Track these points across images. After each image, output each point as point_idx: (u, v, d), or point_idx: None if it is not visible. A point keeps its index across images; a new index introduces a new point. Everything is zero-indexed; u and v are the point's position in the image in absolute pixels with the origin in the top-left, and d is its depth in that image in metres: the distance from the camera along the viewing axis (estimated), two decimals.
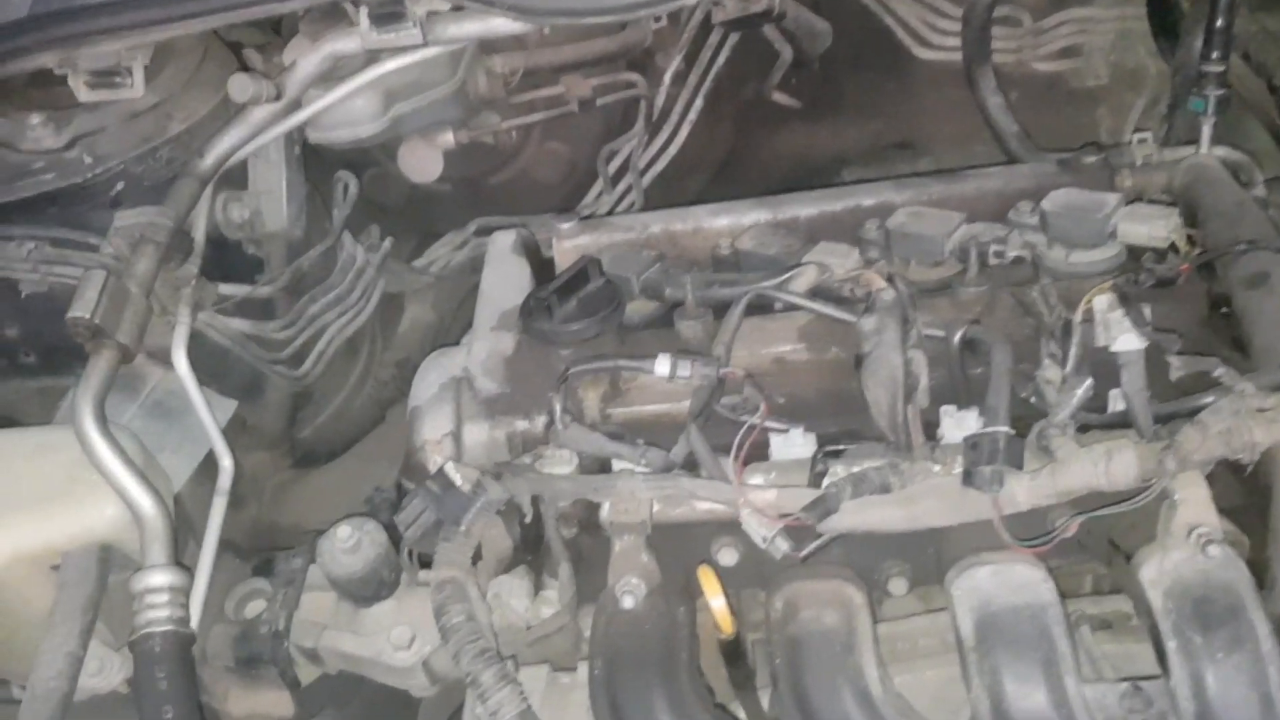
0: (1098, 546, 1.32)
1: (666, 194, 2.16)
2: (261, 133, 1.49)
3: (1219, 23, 1.52)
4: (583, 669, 1.26)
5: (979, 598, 1.20)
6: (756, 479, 1.28)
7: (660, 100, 2.00)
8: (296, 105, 1.51)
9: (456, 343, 2.14)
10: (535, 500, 1.28)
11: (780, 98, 2.09)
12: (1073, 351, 1.25)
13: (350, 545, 1.39)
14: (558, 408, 1.26)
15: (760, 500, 1.23)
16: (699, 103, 2.03)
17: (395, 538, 1.42)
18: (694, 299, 1.39)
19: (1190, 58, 1.74)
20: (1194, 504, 1.18)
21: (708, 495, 1.24)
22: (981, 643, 1.17)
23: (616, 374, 1.36)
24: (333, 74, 1.51)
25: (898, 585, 1.34)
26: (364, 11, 1.41)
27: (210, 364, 1.61)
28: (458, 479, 1.26)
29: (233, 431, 1.57)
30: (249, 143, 1.49)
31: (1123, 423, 1.26)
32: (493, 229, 2.16)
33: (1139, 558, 1.21)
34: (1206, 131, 1.56)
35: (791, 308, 1.41)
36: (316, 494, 1.83)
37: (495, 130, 1.89)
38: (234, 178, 1.61)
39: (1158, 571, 1.19)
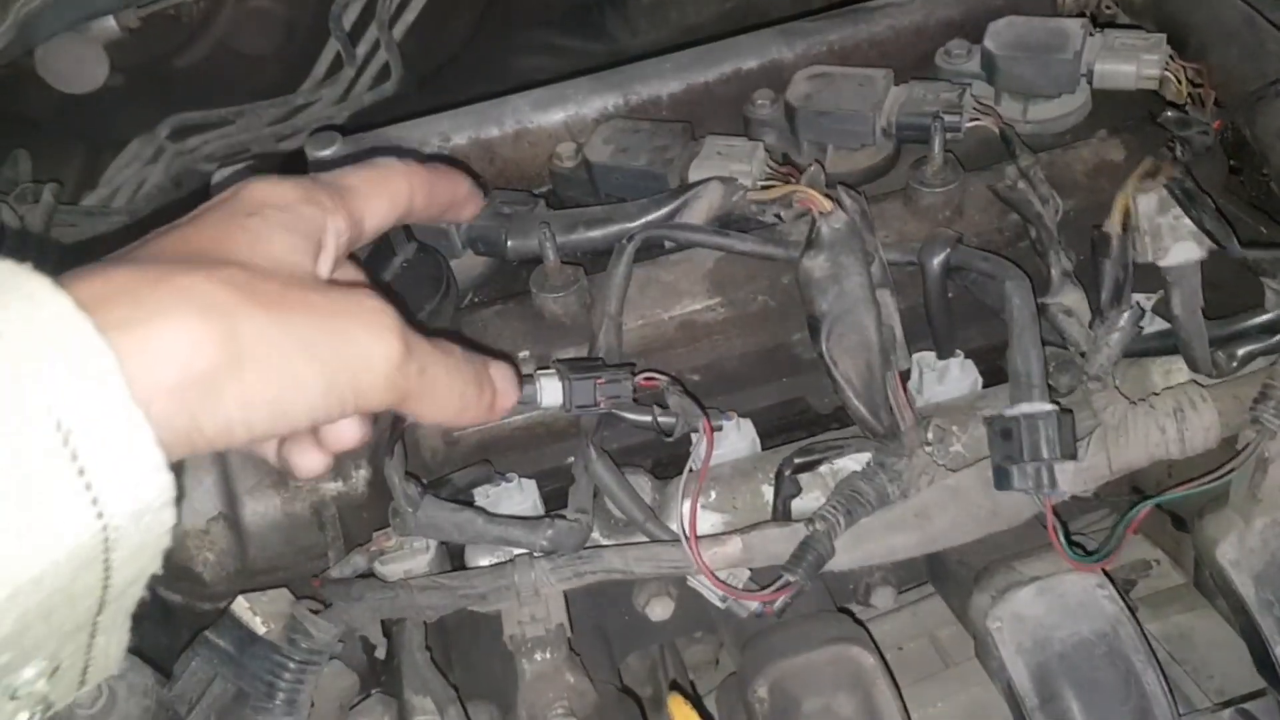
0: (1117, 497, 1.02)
1: (423, 48, 1.64)
2: None
3: None
4: None
5: (1030, 633, 0.88)
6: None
7: None
8: None
9: None
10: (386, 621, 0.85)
11: None
12: (1109, 273, 0.90)
13: (98, 708, 0.91)
14: (395, 478, 0.81)
15: (723, 558, 0.85)
16: None
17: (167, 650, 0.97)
18: (556, 258, 0.94)
19: None
20: None
21: (650, 570, 0.84)
22: (1049, 700, 0.85)
23: None
24: None
25: (882, 596, 1.00)
26: None
27: None
28: (258, 625, 0.80)
29: None
30: None
31: (1159, 348, 0.94)
32: (193, 129, 1.59)
33: (1208, 529, 0.92)
34: None
35: (692, 244, 0.98)
36: None
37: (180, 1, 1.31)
38: None
39: (1240, 549, 0.90)
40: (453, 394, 0.60)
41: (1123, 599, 0.90)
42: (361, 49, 1.57)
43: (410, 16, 1.56)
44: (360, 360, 0.53)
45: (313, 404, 0.52)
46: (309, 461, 0.63)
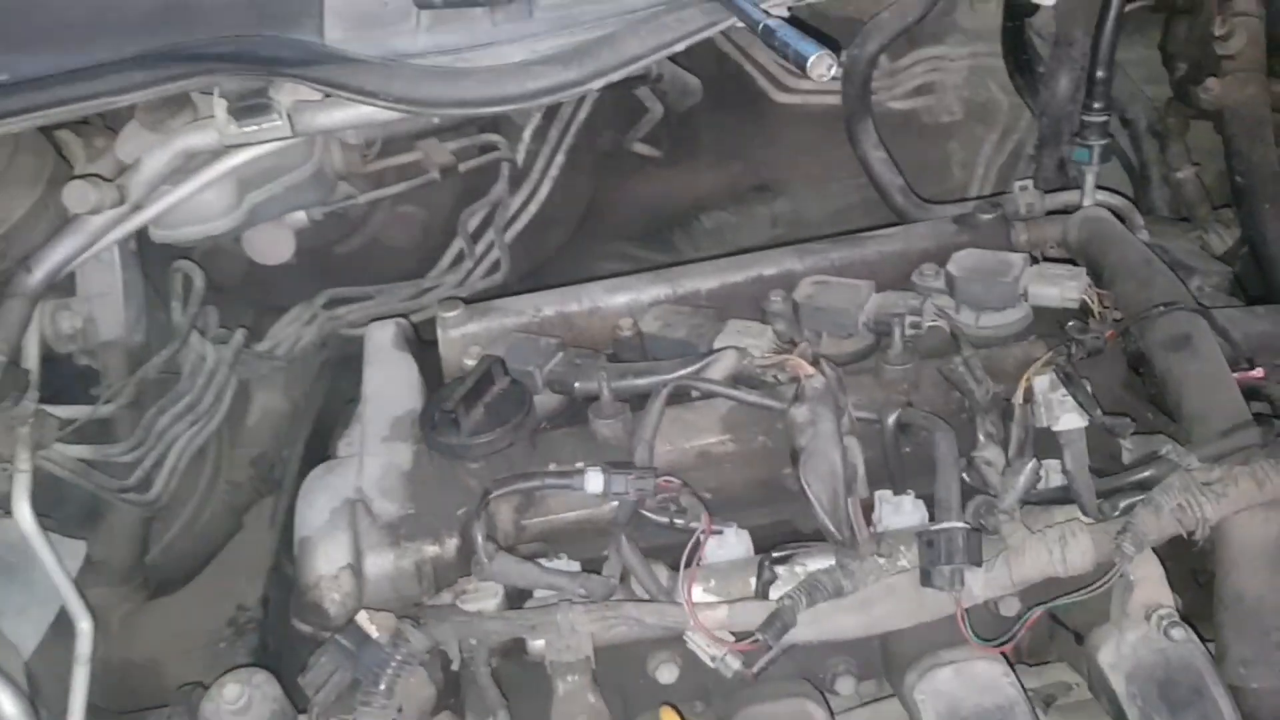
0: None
1: (527, 250, 2.04)
2: (99, 240, 1.29)
3: (1100, 74, 1.52)
4: None
5: (945, 702, 1.14)
6: (696, 591, 1.19)
7: (520, 157, 1.88)
8: (138, 206, 1.32)
9: (315, 431, 1.98)
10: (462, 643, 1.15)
11: (641, 148, 2.00)
12: (1015, 434, 1.21)
13: (240, 706, 1.22)
14: (479, 536, 1.13)
15: (713, 620, 1.14)
16: (560, 158, 1.92)
17: (286, 684, 1.26)
18: (609, 395, 1.28)
19: (1055, 100, 1.75)
20: (1149, 584, 1.16)
21: (656, 621, 1.14)
22: None
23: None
24: (181, 168, 1.32)
25: (845, 684, 1.27)
26: (222, 105, 1.23)
27: (42, 494, 1.39)
28: (373, 631, 1.11)
29: (80, 574, 1.36)
30: (85, 252, 1.29)
31: (1061, 498, 1.23)
32: (342, 301, 2.00)
33: (1094, 640, 1.19)
34: (1090, 181, 1.56)
35: (710, 394, 1.32)
36: (172, 620, 1.63)
37: (352, 204, 1.72)
38: (59, 282, 1.40)
39: (1116, 655, 1.17)
40: None
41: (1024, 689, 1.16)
42: (479, 247, 1.97)
43: (519, 226, 1.97)
44: None
45: None
46: None
